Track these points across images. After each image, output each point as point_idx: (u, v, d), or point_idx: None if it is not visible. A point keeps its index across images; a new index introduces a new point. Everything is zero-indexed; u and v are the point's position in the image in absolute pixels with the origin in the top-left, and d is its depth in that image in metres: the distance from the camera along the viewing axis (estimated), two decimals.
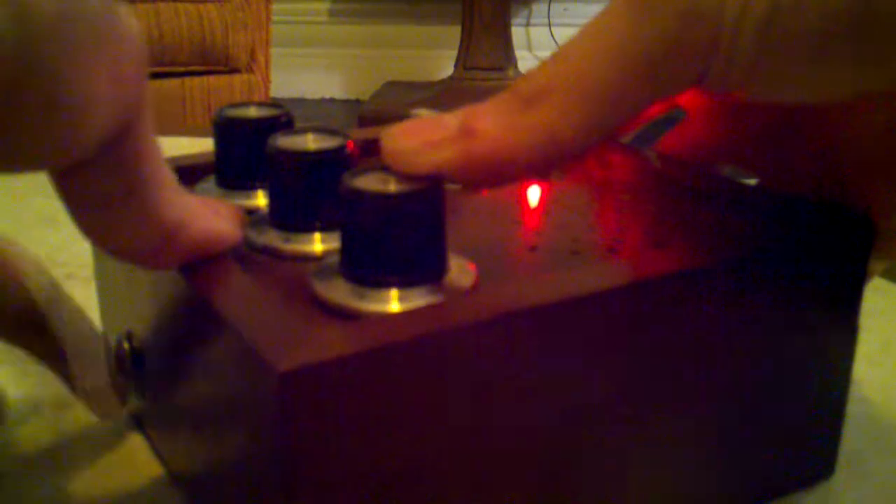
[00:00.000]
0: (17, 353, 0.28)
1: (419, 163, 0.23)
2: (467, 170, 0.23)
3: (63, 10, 0.16)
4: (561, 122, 0.22)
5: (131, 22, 0.18)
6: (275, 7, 1.88)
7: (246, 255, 0.26)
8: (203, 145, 0.31)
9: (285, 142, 0.26)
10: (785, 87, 0.23)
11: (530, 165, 0.23)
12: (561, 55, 0.23)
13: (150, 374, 0.28)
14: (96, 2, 0.17)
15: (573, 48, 0.23)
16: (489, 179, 0.23)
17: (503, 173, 0.23)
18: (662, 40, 0.22)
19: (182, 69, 1.68)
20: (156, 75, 1.58)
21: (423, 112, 0.33)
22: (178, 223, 0.22)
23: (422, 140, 0.23)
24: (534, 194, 0.31)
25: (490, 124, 0.22)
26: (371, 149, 0.33)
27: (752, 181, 0.31)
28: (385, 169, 0.23)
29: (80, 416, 0.31)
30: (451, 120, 0.23)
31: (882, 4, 0.21)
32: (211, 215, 0.23)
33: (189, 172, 0.30)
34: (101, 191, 0.20)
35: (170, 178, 0.22)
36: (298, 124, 0.29)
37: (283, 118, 0.29)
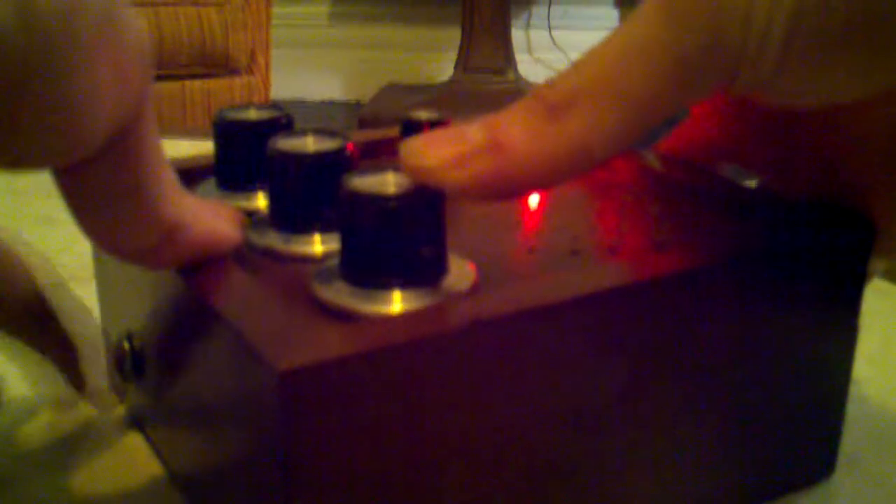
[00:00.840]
0: (18, 354, 0.28)
1: (447, 179, 0.22)
2: (497, 185, 0.22)
3: (68, 6, 0.16)
4: (593, 132, 0.22)
5: (136, 20, 0.18)
6: (275, 9, 1.88)
7: (246, 256, 0.26)
8: (203, 147, 0.31)
9: (285, 144, 0.26)
10: (807, 86, 0.23)
11: (560, 176, 0.22)
12: (587, 61, 0.22)
13: (150, 374, 0.28)
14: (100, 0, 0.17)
15: (601, 54, 0.22)
16: (517, 193, 0.23)
17: (532, 186, 0.22)
18: (696, 44, 0.22)
19: (182, 71, 1.68)
20: (156, 77, 1.57)
21: (424, 115, 0.33)
22: (177, 223, 0.22)
23: (447, 154, 0.22)
24: (533, 196, 0.31)
25: (519, 137, 0.22)
26: (371, 151, 0.34)
27: (753, 182, 0.31)
28: (385, 169, 0.23)
29: (80, 416, 0.31)
30: (475, 133, 0.22)
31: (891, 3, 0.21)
32: (211, 217, 0.23)
33: (189, 174, 0.30)
34: (103, 189, 0.20)
35: (171, 179, 0.22)
36: (298, 126, 0.29)
37: (282, 120, 0.29)
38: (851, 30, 0.21)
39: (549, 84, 0.22)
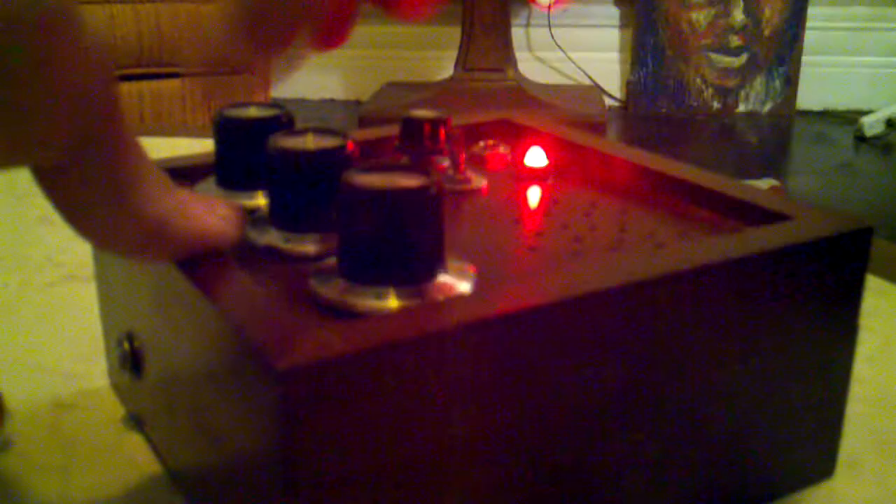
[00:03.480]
0: (17, 355, 0.28)
1: None
2: None
3: (16, 16, 0.17)
4: None
5: (92, 33, 0.19)
6: None
7: (246, 254, 0.26)
8: (203, 146, 0.31)
9: (285, 142, 0.26)
10: None
11: None
12: None
13: (150, 373, 0.28)
14: (60, 12, 0.18)
15: None
16: None
17: None
18: None
19: (182, 70, 1.68)
20: (156, 76, 1.58)
21: (424, 113, 0.33)
22: (164, 219, 0.22)
23: None
24: (534, 195, 0.31)
25: None
26: (371, 149, 0.34)
27: (762, 183, 0.31)
28: (385, 167, 0.23)
29: (81, 416, 0.31)
30: None
31: None
32: (203, 211, 0.24)
33: (189, 173, 0.30)
34: (81, 191, 0.20)
35: (154, 176, 0.22)
36: (298, 125, 0.29)
37: (283, 118, 0.29)
38: None
39: None
